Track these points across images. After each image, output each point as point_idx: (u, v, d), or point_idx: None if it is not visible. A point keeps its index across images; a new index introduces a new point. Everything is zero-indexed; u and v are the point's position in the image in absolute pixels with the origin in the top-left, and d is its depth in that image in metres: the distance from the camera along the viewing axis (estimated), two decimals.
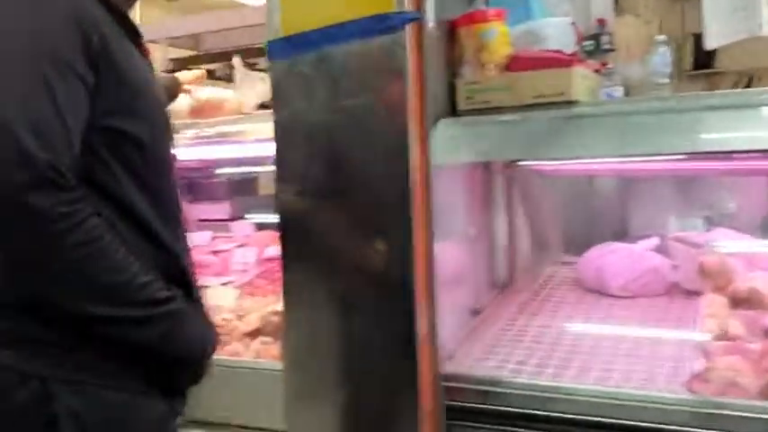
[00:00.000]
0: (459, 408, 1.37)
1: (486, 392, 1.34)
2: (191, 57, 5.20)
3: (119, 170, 1.05)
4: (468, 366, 1.45)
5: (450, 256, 1.54)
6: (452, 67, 1.52)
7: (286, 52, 1.37)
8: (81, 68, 0.99)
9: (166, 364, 1.08)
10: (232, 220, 2.99)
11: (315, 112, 1.38)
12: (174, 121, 1.29)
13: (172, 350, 1.07)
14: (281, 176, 1.47)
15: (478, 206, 1.85)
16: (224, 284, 2.22)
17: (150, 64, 1.20)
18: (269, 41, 1.40)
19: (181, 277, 1.13)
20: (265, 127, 1.54)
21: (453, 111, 1.50)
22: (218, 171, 3.06)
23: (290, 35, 1.36)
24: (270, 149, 1.48)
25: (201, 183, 3.34)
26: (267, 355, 1.78)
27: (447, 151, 1.43)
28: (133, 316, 1.02)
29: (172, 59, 5.06)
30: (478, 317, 1.75)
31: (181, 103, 2.17)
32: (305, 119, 1.40)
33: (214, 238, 2.75)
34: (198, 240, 2.69)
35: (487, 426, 1.34)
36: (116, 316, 1.01)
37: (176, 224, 1.16)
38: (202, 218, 3.20)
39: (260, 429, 1.70)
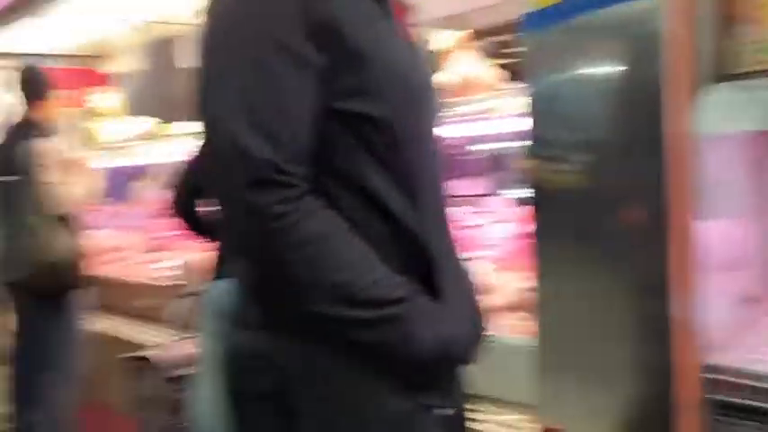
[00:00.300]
0: (726, 403, 1.24)
1: (758, 388, 1.20)
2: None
3: (360, 155, 0.98)
4: (737, 359, 1.31)
5: (721, 236, 1.39)
6: (726, 24, 1.36)
7: (539, 24, 1.35)
8: (307, 52, 0.93)
9: (404, 366, 0.98)
10: (487, 195, 3.04)
11: (568, 83, 1.34)
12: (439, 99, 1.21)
13: (403, 353, 0.96)
14: (534, 150, 1.45)
15: (760, 182, 1.64)
16: (478, 258, 2.26)
17: (412, 43, 1.10)
18: (524, 15, 1.39)
19: (426, 269, 1.01)
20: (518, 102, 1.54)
21: (724, 75, 1.35)
22: (475, 147, 3.12)
23: (543, 7, 1.34)
24: (523, 124, 1.47)
25: (459, 159, 3.44)
26: (520, 330, 1.79)
27: (721, 119, 1.30)
28: (358, 317, 0.94)
29: None
30: (756, 305, 1.57)
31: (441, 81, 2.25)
32: (557, 92, 1.37)
33: (469, 213, 2.82)
34: (454, 215, 2.77)
35: (757, 423, 1.20)
36: (341, 316, 0.94)
37: (430, 210, 1.04)
38: (460, 193, 3.29)
39: (510, 403, 1.73)
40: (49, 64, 4.87)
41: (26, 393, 3.14)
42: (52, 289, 2.92)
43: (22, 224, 2.89)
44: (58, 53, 5.01)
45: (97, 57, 5.19)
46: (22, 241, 2.92)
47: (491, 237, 2.54)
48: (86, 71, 5.09)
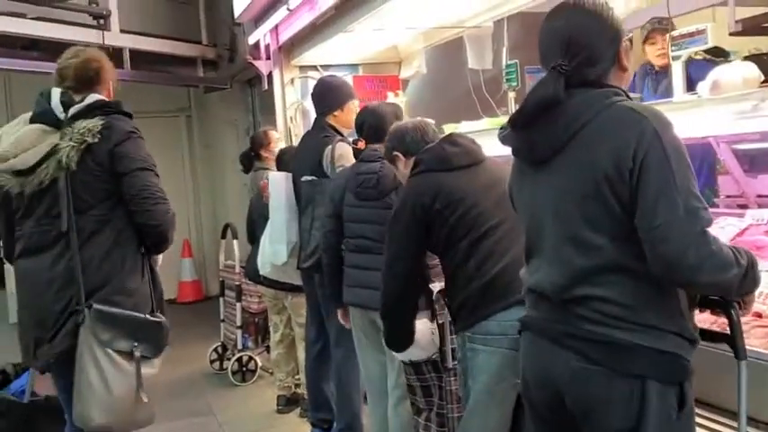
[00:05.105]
0: None
1: None
2: (763, 14, 4.74)
3: None
4: None
5: None
6: None
7: None
8: None
9: None
10: None
11: None
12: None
13: None
14: None
15: None
16: None
17: None
18: None
19: None
20: None
21: None
22: None
23: None
24: None
25: (763, 153, 3.08)
26: None
27: None
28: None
29: (739, 21, 4.71)
30: None
31: None
32: None
33: None
34: (754, 218, 2.52)
35: None
36: None
37: None
38: (762, 193, 2.97)
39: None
40: (351, 73, 5.47)
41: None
42: None
43: (323, 218, 3.16)
44: (358, 62, 5.54)
45: (393, 63, 5.61)
46: (317, 232, 3.22)
47: None
48: (386, 78, 5.53)
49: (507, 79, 3.45)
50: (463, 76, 5.02)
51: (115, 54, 6.39)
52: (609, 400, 1.48)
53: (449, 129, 3.41)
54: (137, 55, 6.50)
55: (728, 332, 1.56)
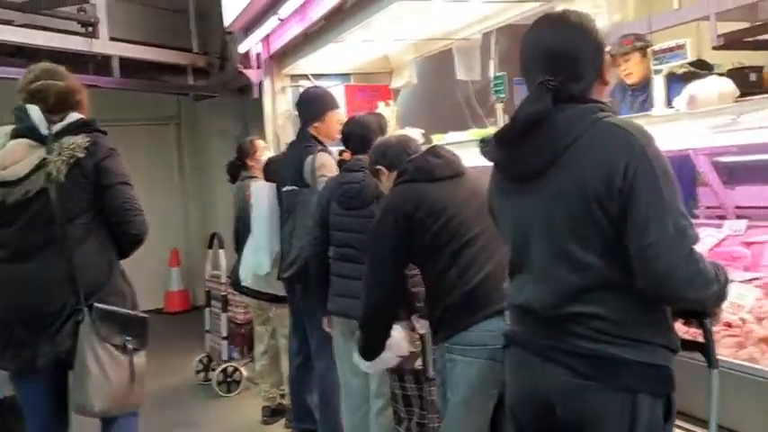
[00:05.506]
0: None
1: None
2: (744, 29, 4.80)
3: None
4: None
5: None
6: None
7: None
8: None
9: None
10: None
11: None
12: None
13: None
14: None
15: None
16: (748, 281, 2.06)
17: None
18: None
19: None
20: None
21: None
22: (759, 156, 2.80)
23: None
24: None
25: (741, 165, 3.11)
26: None
27: None
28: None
29: (721, 35, 4.76)
30: None
31: None
32: None
33: (749, 228, 2.55)
34: (731, 229, 2.54)
35: None
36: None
37: None
38: (740, 204, 2.99)
39: None
40: (342, 82, 5.48)
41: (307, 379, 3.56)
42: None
43: (304, 228, 3.22)
44: (350, 72, 5.56)
45: (384, 73, 5.62)
46: (297, 242, 3.26)
47: None
48: (377, 87, 5.53)
49: (495, 91, 3.47)
50: (453, 87, 5.05)
51: (104, 62, 6.41)
52: (602, 415, 1.49)
53: (437, 139, 3.43)
54: (126, 63, 6.51)
55: (702, 342, 1.58)
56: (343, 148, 3.31)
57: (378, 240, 2.37)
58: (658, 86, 2.57)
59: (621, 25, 3.80)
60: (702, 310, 1.56)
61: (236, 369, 5.02)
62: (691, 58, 2.58)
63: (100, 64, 6.42)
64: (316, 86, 4.11)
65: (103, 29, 6.27)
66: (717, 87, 2.09)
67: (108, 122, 2.72)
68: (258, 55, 5.71)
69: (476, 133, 3.26)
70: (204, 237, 5.88)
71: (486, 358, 2.13)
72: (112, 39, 6.38)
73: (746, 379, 1.66)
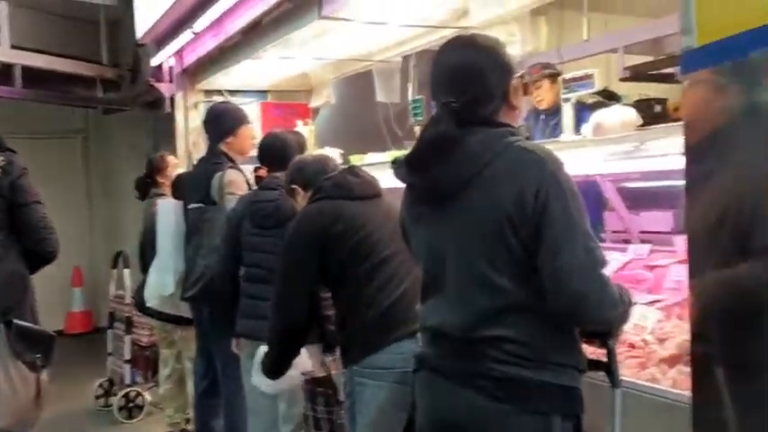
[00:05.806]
0: None
1: None
2: (648, 62, 5.05)
3: None
4: None
5: None
6: None
7: (701, 63, 1.25)
8: None
9: None
10: (674, 233, 2.83)
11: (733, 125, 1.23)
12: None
13: None
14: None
15: None
16: (650, 303, 2.12)
17: None
18: (683, 51, 1.30)
19: None
20: None
21: None
22: (662, 182, 2.93)
23: (705, 44, 1.24)
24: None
25: (645, 191, 3.24)
26: (685, 385, 1.65)
27: None
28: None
29: (627, 68, 4.99)
30: None
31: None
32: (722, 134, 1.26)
33: (652, 252, 2.65)
34: (635, 253, 2.63)
35: None
36: None
37: None
38: (644, 229, 3.10)
39: None
40: (258, 99, 5.39)
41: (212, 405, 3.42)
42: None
43: (209, 247, 3.13)
44: (267, 88, 5.48)
45: (304, 91, 5.57)
46: (202, 261, 3.17)
47: (671, 279, 2.37)
48: (295, 106, 5.47)
49: (414, 114, 3.50)
50: (372, 109, 5.06)
51: (5, 71, 6.08)
52: None
53: (356, 160, 3.41)
54: (30, 72, 6.19)
55: (606, 361, 1.60)
56: (257, 165, 3.23)
57: (289, 258, 2.30)
58: (567, 114, 2.65)
59: (534, 55, 3.92)
60: (608, 331, 1.58)
61: (138, 393, 4.79)
62: (598, 87, 2.67)
63: (1, 73, 6.10)
64: (224, 102, 4.00)
65: (5, 36, 5.95)
66: (620, 116, 2.17)
67: (10, 135, 2.71)
68: (171, 68, 5.55)
69: (395, 155, 3.27)
70: (109, 255, 5.66)
71: (396, 382, 2.09)
72: (14, 47, 6.07)
73: (648, 399, 1.69)
